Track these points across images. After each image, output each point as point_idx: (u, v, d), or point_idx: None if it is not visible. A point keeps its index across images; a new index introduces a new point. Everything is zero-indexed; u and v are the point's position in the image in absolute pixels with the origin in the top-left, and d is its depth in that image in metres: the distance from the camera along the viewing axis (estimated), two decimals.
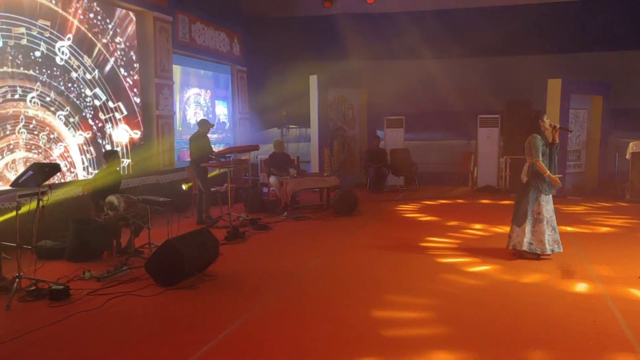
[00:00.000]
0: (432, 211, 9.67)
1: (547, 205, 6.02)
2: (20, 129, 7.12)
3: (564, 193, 10.91)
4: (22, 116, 7.16)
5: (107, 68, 8.78)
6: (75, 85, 8.11)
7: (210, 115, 12.11)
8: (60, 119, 7.82)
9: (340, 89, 13.32)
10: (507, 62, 13.32)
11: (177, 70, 10.86)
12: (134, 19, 9.46)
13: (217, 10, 12.24)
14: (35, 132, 7.40)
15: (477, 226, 8.19)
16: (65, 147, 7.91)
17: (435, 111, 13.54)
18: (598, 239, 7.22)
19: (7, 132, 6.95)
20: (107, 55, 8.78)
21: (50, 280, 5.16)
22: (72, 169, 8.05)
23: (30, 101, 7.30)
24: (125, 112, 9.18)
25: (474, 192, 12.10)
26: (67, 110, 7.94)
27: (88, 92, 8.37)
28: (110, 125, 8.85)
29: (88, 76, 8.37)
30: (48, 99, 7.60)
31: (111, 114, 8.85)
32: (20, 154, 7.14)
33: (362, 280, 5.51)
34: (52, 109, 7.69)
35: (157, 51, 9.82)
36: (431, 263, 6.12)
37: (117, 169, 7.13)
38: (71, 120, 8.03)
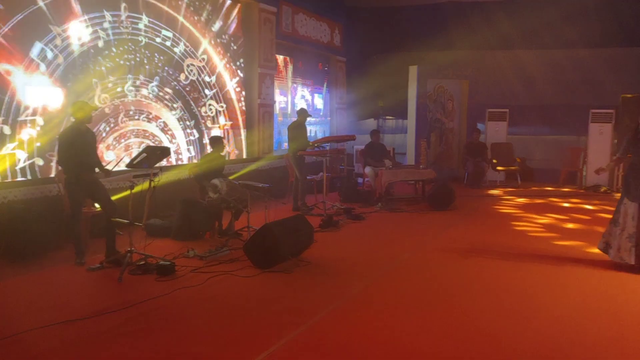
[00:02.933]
0: (532, 211, 9.20)
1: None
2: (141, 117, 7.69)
3: None
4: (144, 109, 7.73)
5: (217, 67, 9.21)
6: (189, 86, 8.60)
7: (309, 106, 12.33)
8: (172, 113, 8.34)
9: (441, 80, 13.00)
10: (625, 53, 12.31)
11: (285, 61, 11.16)
12: (240, 10, 9.81)
13: (319, 1, 12.39)
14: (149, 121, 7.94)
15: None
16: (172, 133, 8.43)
17: (541, 104, 12.87)
18: None
19: (125, 120, 7.52)
20: (215, 54, 9.22)
21: (158, 256, 5.53)
22: (179, 151, 8.56)
23: (151, 93, 7.87)
24: (224, 105, 9.57)
25: (581, 193, 11.33)
26: (179, 104, 8.45)
27: (206, 93, 8.85)
28: (212, 117, 9.27)
29: (207, 78, 8.91)
30: (162, 93, 8.15)
31: (214, 112, 9.27)
32: (135, 139, 7.71)
33: (448, 280, 5.38)
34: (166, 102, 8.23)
35: (262, 41, 10.13)
36: (523, 271, 5.85)
37: (222, 154, 7.47)
38: (182, 114, 8.53)
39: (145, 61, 7.81)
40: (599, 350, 3.70)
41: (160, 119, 8.16)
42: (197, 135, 8.87)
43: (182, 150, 8.61)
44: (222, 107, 9.46)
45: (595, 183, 11.47)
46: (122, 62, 7.41)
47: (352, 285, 5.05)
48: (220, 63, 9.33)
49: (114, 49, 7.26)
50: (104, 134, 7.19)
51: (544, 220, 8.33)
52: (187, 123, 8.68)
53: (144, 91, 7.82)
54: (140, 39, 7.72)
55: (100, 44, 7.08)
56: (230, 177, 7.60)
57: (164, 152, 5.76)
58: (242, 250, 5.73)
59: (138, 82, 7.70)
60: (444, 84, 13.09)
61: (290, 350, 3.64)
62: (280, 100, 11.37)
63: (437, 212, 8.79)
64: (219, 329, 4.01)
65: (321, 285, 5.06)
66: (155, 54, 8.00)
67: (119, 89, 7.38)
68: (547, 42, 12.57)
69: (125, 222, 5.42)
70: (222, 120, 9.47)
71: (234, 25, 9.67)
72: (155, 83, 7.98)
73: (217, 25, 9.22)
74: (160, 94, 8.11)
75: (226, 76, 9.52)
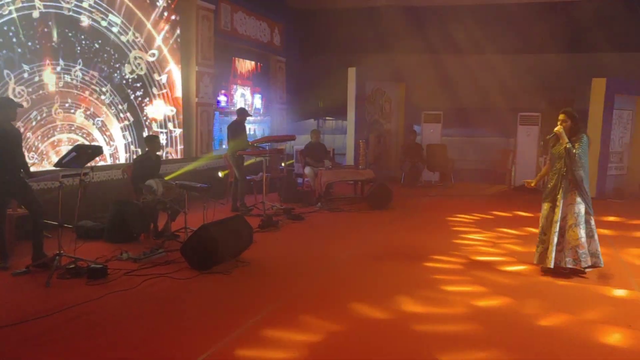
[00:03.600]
0: (465, 208, 9.54)
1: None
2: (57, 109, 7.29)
3: (604, 196, 10.62)
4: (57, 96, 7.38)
5: (155, 51, 8.96)
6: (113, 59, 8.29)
7: (248, 105, 12.24)
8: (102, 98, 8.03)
9: (379, 82, 13.24)
10: (550, 59, 12.99)
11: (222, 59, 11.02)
12: (178, 5, 9.60)
13: (259, 0, 12.31)
14: (72, 111, 7.55)
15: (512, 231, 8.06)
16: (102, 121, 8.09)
17: (474, 107, 13.35)
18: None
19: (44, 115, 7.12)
20: (155, 34, 8.95)
21: (89, 259, 5.33)
22: (115, 150, 8.26)
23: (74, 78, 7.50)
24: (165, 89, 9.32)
25: (510, 192, 11.88)
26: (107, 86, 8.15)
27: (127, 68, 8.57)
28: (147, 99, 8.97)
29: (154, 75, 8.66)
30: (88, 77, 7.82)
31: (149, 88, 8.97)
32: (62, 135, 7.36)
33: (388, 274, 5.50)
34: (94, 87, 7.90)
35: (200, 39, 9.96)
36: (462, 260, 6.06)
37: (158, 153, 7.29)
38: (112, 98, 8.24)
39: (85, 47, 7.48)
40: (562, 343, 3.89)
41: (99, 117, 7.86)
42: (135, 133, 8.60)
43: (120, 150, 8.32)
44: (171, 109, 9.26)
45: (523, 183, 12.01)
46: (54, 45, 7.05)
47: (292, 285, 5.06)
48: (165, 59, 9.10)
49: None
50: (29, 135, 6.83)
51: (475, 218, 8.65)
52: (127, 123, 8.39)
53: (74, 81, 7.46)
54: (82, 19, 7.38)
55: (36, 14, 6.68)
56: (167, 178, 7.43)
57: (96, 151, 5.55)
58: (178, 252, 5.61)
59: (75, 71, 7.35)
60: (382, 86, 13.34)
61: (228, 353, 3.60)
62: (219, 99, 11.22)
63: (375, 212, 8.95)
64: (153, 333, 3.91)
65: (260, 286, 5.04)
66: (98, 41, 7.68)
67: (42, 79, 6.99)
68: (480, 48, 13.07)
69: (54, 223, 5.19)
70: (162, 118, 9.22)
71: (172, 21, 9.44)
72: (81, 69, 7.65)
73: (159, 19, 8.99)
74: (96, 86, 7.79)
75: (170, 73, 9.30)
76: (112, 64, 8.13)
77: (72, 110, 7.46)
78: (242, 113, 8.93)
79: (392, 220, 8.36)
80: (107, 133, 8.11)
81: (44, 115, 7.02)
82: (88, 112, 7.73)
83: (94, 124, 7.84)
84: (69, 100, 7.39)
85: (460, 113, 13.34)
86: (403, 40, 13.25)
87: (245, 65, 12.35)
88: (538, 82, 12.56)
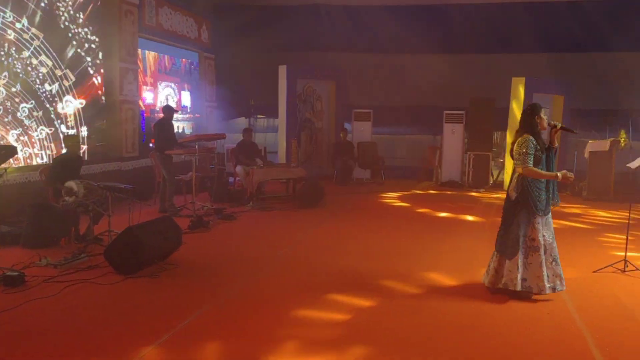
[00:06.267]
0: (395, 204, 9.76)
1: (545, 229, 4.68)
2: None
3: None
4: None
5: (70, 51, 8.51)
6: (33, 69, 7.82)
7: (176, 103, 11.92)
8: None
9: (310, 81, 13.27)
10: (474, 59, 13.50)
11: (149, 55, 10.65)
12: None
13: None
14: None
15: (443, 214, 8.32)
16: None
17: (403, 106, 13.65)
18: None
19: None
20: (70, 37, 8.52)
21: (5, 267, 5.01)
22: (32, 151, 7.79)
23: None
24: (84, 102, 8.88)
25: (437, 187, 12.26)
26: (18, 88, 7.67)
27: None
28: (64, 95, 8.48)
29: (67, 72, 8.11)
30: None
31: (59, 82, 8.46)
32: None
33: (321, 272, 5.52)
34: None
35: (123, 34, 9.58)
36: (388, 261, 6.18)
37: (78, 153, 6.95)
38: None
39: None
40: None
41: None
42: (51, 134, 8.14)
43: (37, 150, 7.84)
44: (81, 103, 8.78)
45: (449, 179, 12.46)
46: None
47: (223, 286, 4.97)
48: (83, 56, 8.65)
49: None
50: None
51: (407, 212, 8.86)
52: (41, 121, 7.92)
53: None
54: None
55: None
56: (89, 179, 7.08)
57: (9, 151, 5.22)
58: (102, 257, 5.37)
59: None
60: (313, 84, 13.39)
61: (157, 358, 3.48)
62: (145, 96, 10.85)
63: (308, 210, 8.96)
64: (76, 342, 3.71)
65: (190, 288, 4.91)
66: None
67: None
68: (408, 47, 13.39)
69: None
70: (78, 115, 8.78)
71: (93, 16, 9.01)
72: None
73: (77, 15, 8.53)
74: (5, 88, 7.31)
75: (90, 69, 8.87)
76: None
77: None
78: (169, 111, 8.68)
79: (324, 218, 8.40)
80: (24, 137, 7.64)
81: None
82: None
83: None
84: None
85: (390, 111, 13.61)
86: (334, 38, 13.37)
87: (173, 61, 12.02)
88: (463, 81, 13.02)
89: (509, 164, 10.20)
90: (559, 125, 4.85)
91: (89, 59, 8.96)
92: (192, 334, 3.86)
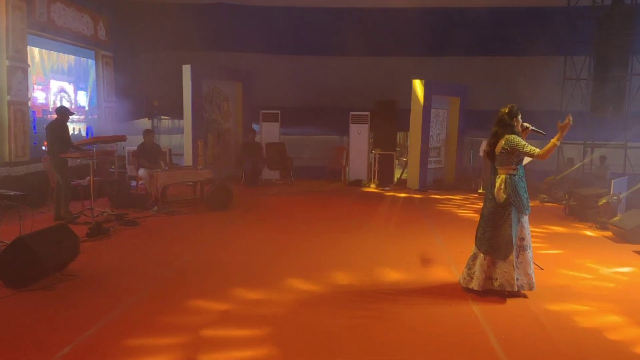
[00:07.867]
0: (306, 204, 9.83)
1: (527, 226, 4.86)
2: None
3: (425, 188, 11.69)
4: None
5: None
6: None
7: (70, 103, 11.23)
8: None
9: (216, 81, 13.03)
10: (378, 62, 13.92)
11: (41, 53, 9.92)
12: None
13: None
14: None
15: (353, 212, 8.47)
16: None
17: (310, 107, 13.78)
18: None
19: None
20: None
21: None
22: None
23: None
24: None
25: (346, 187, 12.49)
26: None
27: None
28: None
29: None
30: None
31: None
32: None
33: (229, 275, 5.44)
34: None
35: (10, 31, 8.87)
36: (297, 260, 6.22)
37: None
38: None
39: None
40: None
41: None
42: None
43: None
44: None
45: (356, 178, 12.75)
46: None
47: (125, 296, 4.74)
48: None
49: None
50: None
51: (318, 211, 8.95)
52: None
53: None
54: None
55: None
56: None
57: None
58: None
59: None
60: (219, 85, 13.15)
61: None
62: (37, 96, 10.11)
63: (216, 212, 8.78)
64: None
65: (89, 300, 4.64)
66: None
67: None
68: (315, 50, 13.55)
69: None
70: None
71: None
72: None
73: None
74: None
75: None
76: None
77: None
78: (63, 112, 8.13)
79: (232, 220, 8.27)
80: None
81: None
82: None
83: None
84: None
85: (297, 112, 13.68)
86: (241, 39, 13.20)
87: (67, 59, 11.31)
88: (367, 84, 13.37)
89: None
90: (530, 127, 5.04)
91: None
92: (91, 349, 3.64)
